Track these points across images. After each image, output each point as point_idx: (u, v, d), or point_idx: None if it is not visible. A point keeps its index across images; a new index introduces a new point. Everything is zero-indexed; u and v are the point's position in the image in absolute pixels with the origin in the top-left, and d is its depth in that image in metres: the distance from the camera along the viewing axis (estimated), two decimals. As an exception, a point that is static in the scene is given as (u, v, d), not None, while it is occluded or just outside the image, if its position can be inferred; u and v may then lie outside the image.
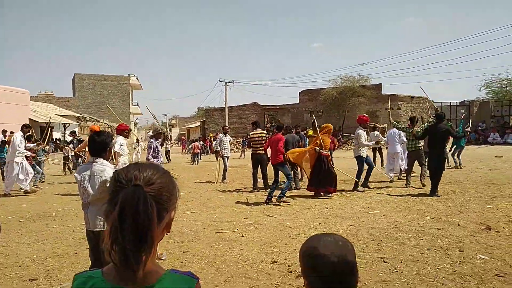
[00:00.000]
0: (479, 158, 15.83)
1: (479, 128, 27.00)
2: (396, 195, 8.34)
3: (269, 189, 8.40)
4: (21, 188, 9.89)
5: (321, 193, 8.48)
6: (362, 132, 9.28)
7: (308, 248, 1.09)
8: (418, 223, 5.84)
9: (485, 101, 32.16)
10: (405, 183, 9.53)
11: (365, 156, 9.30)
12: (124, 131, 8.20)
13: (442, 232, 5.29)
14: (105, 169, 3.08)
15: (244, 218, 6.65)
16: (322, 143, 8.52)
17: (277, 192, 8.03)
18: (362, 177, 9.28)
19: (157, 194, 0.95)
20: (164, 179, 0.99)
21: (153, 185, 0.96)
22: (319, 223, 6.09)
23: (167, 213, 0.98)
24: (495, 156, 16.32)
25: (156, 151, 8.50)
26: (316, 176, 8.50)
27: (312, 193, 8.59)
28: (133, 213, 0.89)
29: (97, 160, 3.12)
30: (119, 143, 7.79)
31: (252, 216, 6.86)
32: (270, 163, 8.68)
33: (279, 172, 8.21)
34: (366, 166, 9.31)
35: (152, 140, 8.72)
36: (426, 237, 5.11)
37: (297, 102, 34.39)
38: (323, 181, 8.43)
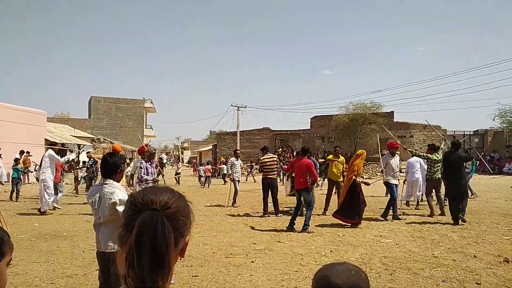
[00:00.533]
0: (494, 189, 15.50)
1: (494, 158, 26.52)
2: (409, 224, 8.18)
3: (290, 214, 8.26)
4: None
5: (349, 224, 8.00)
6: (389, 158, 9.21)
7: (320, 277, 1.07)
8: (433, 253, 5.69)
9: (500, 131, 31.75)
10: (430, 212, 9.22)
11: (394, 183, 9.00)
12: (144, 153, 8.35)
13: (458, 264, 5.15)
14: (114, 191, 3.02)
15: (254, 244, 6.58)
16: (358, 171, 8.17)
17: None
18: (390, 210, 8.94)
19: (173, 218, 0.94)
20: (180, 203, 0.99)
21: (169, 209, 0.95)
22: (331, 251, 5.98)
23: (182, 238, 0.98)
24: (511, 187, 15.97)
25: (146, 172, 8.22)
26: (347, 205, 8.10)
27: (340, 221, 8.19)
28: (151, 238, 0.88)
29: (107, 182, 3.09)
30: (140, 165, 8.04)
31: (262, 241, 6.77)
32: (286, 188, 8.55)
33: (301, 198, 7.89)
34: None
35: (142, 161, 8.46)
36: (440, 268, 4.97)
37: (309, 127, 34.47)
38: (353, 211, 7.99)
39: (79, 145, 28.72)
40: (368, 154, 30.04)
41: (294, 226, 7.67)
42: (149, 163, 8.39)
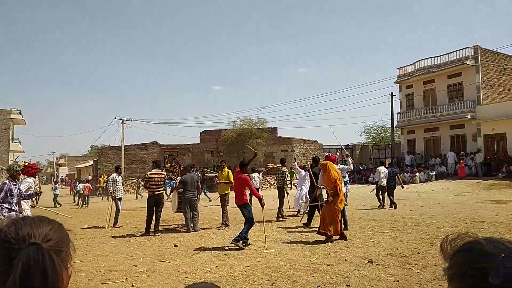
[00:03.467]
0: (362, 197, 17.44)
1: (361, 169, 29.99)
2: (291, 233, 8.64)
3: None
4: None
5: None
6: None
7: None
8: (310, 260, 6.08)
9: (365, 145, 36.19)
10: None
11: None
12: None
13: (331, 268, 5.58)
14: None
15: (136, 266, 6.18)
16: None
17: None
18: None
19: (56, 251, 0.86)
20: (61, 233, 0.91)
21: (50, 241, 0.86)
22: (216, 266, 5.94)
23: (65, 270, 0.89)
24: (370, 192, 18.16)
25: (10, 195, 6.62)
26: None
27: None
28: (41, 277, 0.78)
29: None
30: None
31: (145, 263, 6.41)
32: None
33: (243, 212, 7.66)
34: None
35: (6, 181, 6.88)
36: (317, 273, 5.32)
37: (198, 142, 34.41)
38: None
39: None
40: (255, 168, 31.37)
41: (248, 241, 7.45)
42: (13, 183, 7.06)
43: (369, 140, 39.09)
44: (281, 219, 10.96)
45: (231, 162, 28.63)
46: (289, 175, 12.79)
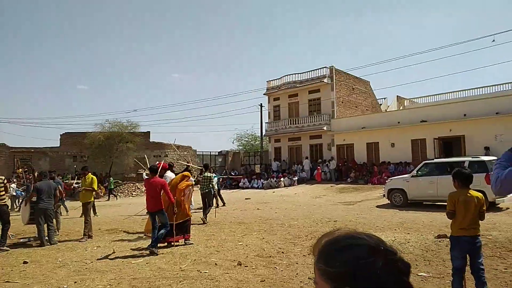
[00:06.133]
0: (233, 201, 18.04)
1: (233, 175, 31.04)
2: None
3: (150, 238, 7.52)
4: None
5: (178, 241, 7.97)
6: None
7: None
8: (180, 267, 5.98)
9: (237, 152, 37.65)
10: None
11: None
12: None
13: (202, 274, 5.59)
14: None
15: (-29, 290, 5.18)
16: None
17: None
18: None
19: None
20: None
21: None
22: (75, 282, 5.37)
23: None
24: (245, 199, 18.99)
25: None
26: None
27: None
28: None
29: None
30: None
31: (-16, 285, 5.42)
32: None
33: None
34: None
35: None
36: (187, 280, 5.26)
37: (58, 145, 30.91)
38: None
39: None
40: (124, 174, 29.61)
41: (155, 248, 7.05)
42: None
43: (241, 147, 40.79)
44: (206, 222, 10.88)
45: (97, 167, 26.47)
46: (214, 179, 13.21)
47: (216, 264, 6.13)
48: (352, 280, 0.77)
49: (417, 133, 21.88)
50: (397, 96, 32.89)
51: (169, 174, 9.60)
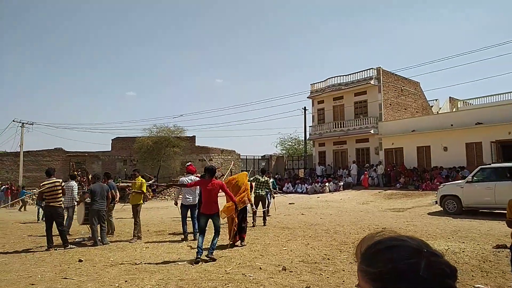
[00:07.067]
0: (277, 206, 17.95)
1: (277, 179, 31.01)
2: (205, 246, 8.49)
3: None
4: None
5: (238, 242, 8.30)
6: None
7: None
8: (225, 270, 6.02)
9: (281, 156, 37.55)
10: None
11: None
12: None
13: (246, 277, 5.58)
14: None
15: (33, 284, 5.52)
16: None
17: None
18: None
19: None
20: None
21: None
22: (126, 281, 5.57)
23: None
24: (289, 203, 18.86)
25: None
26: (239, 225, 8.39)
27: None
28: None
29: None
30: None
31: (44, 280, 5.76)
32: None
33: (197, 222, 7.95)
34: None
35: None
36: (232, 283, 5.27)
37: (110, 149, 32.50)
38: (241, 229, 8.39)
39: None
40: (171, 177, 30.51)
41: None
42: None
43: (284, 152, 40.64)
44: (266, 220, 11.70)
45: (146, 171, 27.50)
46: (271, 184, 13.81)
47: (260, 268, 6.10)
48: (395, 281, 0.77)
49: (472, 136, 20.65)
50: (450, 97, 31.32)
51: (192, 178, 9.48)
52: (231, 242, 8.10)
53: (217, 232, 6.99)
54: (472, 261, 6.20)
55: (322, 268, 6.00)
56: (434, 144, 22.43)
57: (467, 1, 78.00)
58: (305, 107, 32.23)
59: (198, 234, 7.28)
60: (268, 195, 13.12)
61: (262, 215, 11.70)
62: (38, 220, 14.39)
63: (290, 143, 41.17)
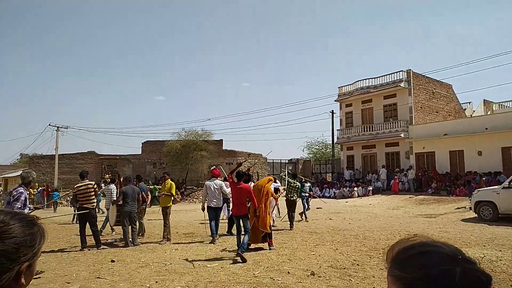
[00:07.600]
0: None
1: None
2: (233, 248, 8.54)
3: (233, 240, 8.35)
4: None
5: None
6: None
7: None
8: (254, 274, 6.03)
9: (307, 160, 37.28)
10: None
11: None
12: None
13: (274, 281, 5.57)
14: None
15: (68, 283, 5.73)
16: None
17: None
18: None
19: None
20: (13, 225, 0.96)
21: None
22: (156, 282, 5.69)
23: (17, 265, 0.93)
24: (317, 208, 18.67)
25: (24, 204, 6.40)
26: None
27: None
28: None
29: None
30: None
31: (79, 279, 5.97)
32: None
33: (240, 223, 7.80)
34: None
35: (21, 189, 6.58)
36: (260, 287, 5.28)
37: (140, 153, 33.29)
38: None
39: None
40: (199, 180, 30.89)
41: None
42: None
43: (311, 155, 40.33)
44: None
45: (175, 174, 27.98)
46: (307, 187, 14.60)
47: (288, 272, 6.07)
48: (428, 287, 0.75)
49: (509, 140, 19.79)
50: (484, 100, 30.16)
51: (217, 182, 9.75)
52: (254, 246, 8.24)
53: (246, 232, 7.48)
54: (510, 270, 5.94)
55: (351, 274, 5.91)
56: (468, 149, 21.66)
57: (501, 2, 75.10)
58: (332, 111, 31.93)
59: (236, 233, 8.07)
60: (305, 199, 13.43)
61: (288, 218, 11.61)
62: (72, 220, 14.90)
63: (317, 146, 40.85)
